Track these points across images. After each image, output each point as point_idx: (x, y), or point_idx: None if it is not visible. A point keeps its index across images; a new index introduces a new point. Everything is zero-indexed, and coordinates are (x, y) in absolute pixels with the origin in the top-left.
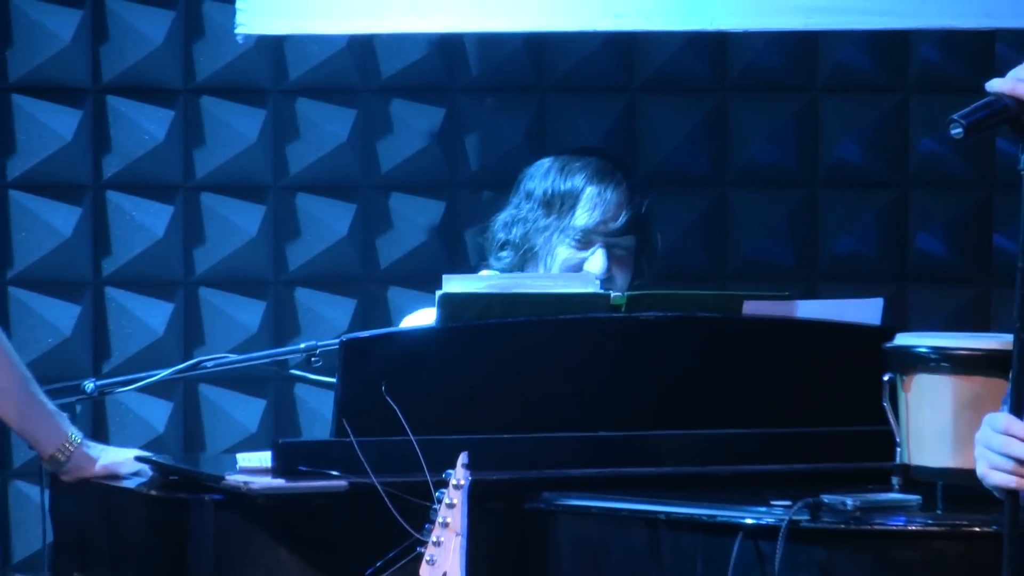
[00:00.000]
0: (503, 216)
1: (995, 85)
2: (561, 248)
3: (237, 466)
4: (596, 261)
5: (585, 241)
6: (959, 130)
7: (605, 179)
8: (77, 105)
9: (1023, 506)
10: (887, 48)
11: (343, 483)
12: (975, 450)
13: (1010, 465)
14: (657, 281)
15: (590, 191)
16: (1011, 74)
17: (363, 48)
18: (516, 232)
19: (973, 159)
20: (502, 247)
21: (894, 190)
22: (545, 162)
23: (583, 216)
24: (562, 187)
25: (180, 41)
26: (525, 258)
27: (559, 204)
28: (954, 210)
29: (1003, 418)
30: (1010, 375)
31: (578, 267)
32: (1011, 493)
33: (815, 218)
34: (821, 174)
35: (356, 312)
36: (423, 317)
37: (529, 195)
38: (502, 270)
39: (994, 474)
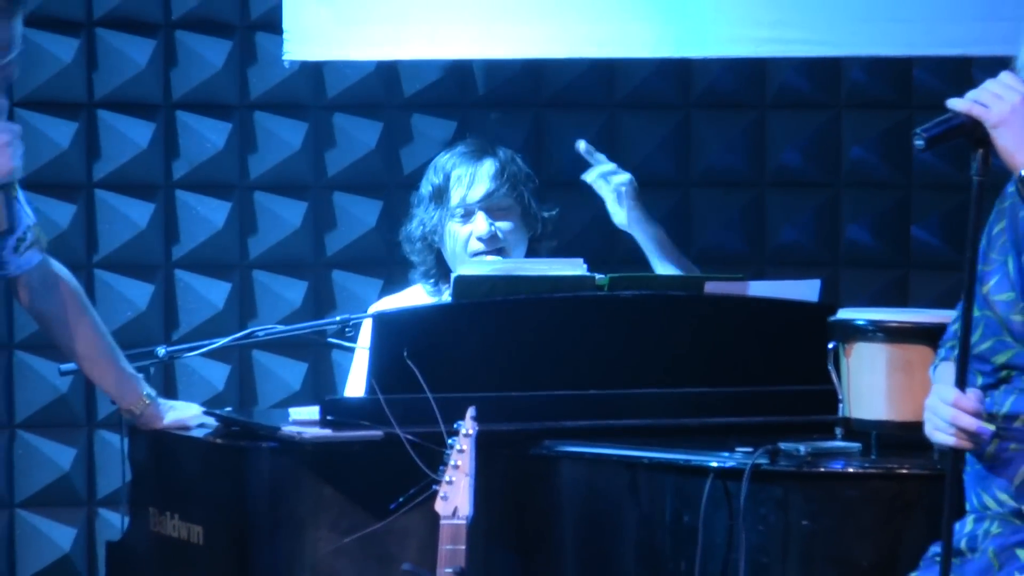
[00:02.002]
0: (405, 232)
1: (954, 104)
2: (451, 226)
3: (289, 418)
4: (480, 224)
5: (467, 213)
6: (921, 142)
7: (467, 159)
8: (151, 119)
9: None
10: (822, 72)
11: (378, 433)
12: (925, 412)
13: (953, 430)
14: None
15: (457, 173)
16: (968, 95)
17: (388, 71)
18: (418, 236)
19: (894, 164)
20: (416, 255)
21: (828, 190)
22: (427, 168)
23: (457, 194)
24: (437, 180)
25: (236, 65)
26: (433, 251)
27: (439, 194)
28: (878, 206)
29: (951, 392)
30: (941, 354)
31: (468, 237)
32: (953, 448)
33: (763, 213)
34: (768, 176)
35: (383, 291)
36: (387, 303)
37: (420, 200)
38: (424, 275)
39: (939, 435)
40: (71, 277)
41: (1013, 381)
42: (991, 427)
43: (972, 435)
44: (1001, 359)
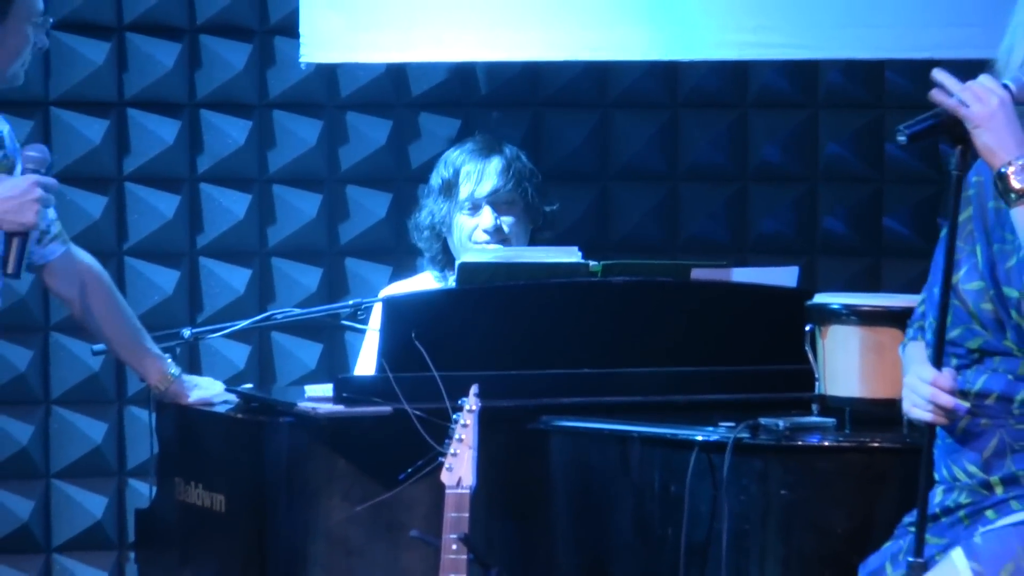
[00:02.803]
0: (414, 222)
1: (936, 97)
2: (459, 218)
3: (305, 395)
4: (486, 218)
5: (474, 206)
6: (904, 138)
7: (476, 155)
8: (177, 117)
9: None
10: (801, 74)
11: (388, 409)
12: (904, 390)
13: (931, 407)
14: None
15: (466, 168)
16: (953, 89)
17: (397, 73)
18: (427, 225)
19: (867, 160)
20: (423, 243)
21: (806, 183)
22: (438, 162)
23: (466, 188)
24: (447, 174)
25: (256, 67)
26: (440, 239)
27: (449, 187)
28: (852, 199)
29: (929, 372)
30: (909, 335)
31: (474, 229)
32: (928, 424)
33: (745, 205)
34: (750, 171)
35: (392, 277)
36: (397, 288)
37: (430, 192)
38: (431, 261)
39: (917, 411)
40: (97, 264)
41: (985, 362)
42: (966, 404)
43: (948, 412)
44: (973, 344)
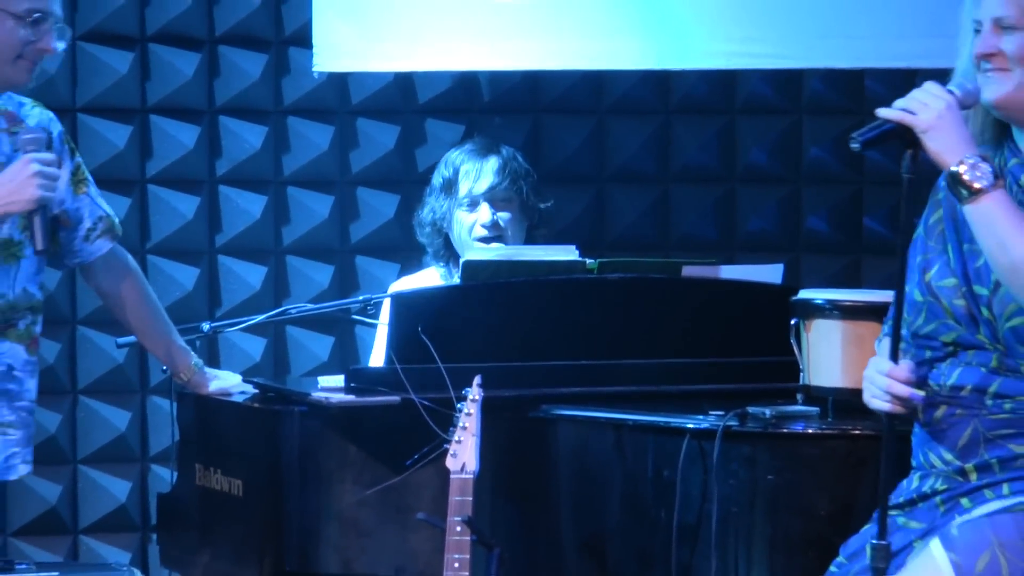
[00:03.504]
0: (417, 218)
1: (883, 112)
2: (458, 214)
3: (318, 386)
4: (483, 213)
5: (472, 203)
6: (857, 145)
7: (474, 155)
8: (196, 123)
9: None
10: (786, 82)
11: (396, 398)
12: (864, 382)
13: (888, 397)
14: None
15: (465, 167)
16: (897, 103)
17: (405, 81)
18: (429, 222)
19: (848, 163)
20: (426, 239)
21: (790, 185)
22: (439, 162)
23: (464, 185)
24: (447, 173)
25: (272, 76)
26: (441, 235)
27: (449, 186)
28: (834, 200)
29: (885, 364)
30: (885, 330)
31: (473, 224)
32: (888, 413)
33: (733, 205)
34: (737, 173)
35: (400, 274)
36: (404, 283)
37: (432, 190)
38: (434, 256)
39: (875, 401)
40: (134, 263)
41: (959, 356)
42: (921, 393)
43: (905, 401)
44: (948, 338)
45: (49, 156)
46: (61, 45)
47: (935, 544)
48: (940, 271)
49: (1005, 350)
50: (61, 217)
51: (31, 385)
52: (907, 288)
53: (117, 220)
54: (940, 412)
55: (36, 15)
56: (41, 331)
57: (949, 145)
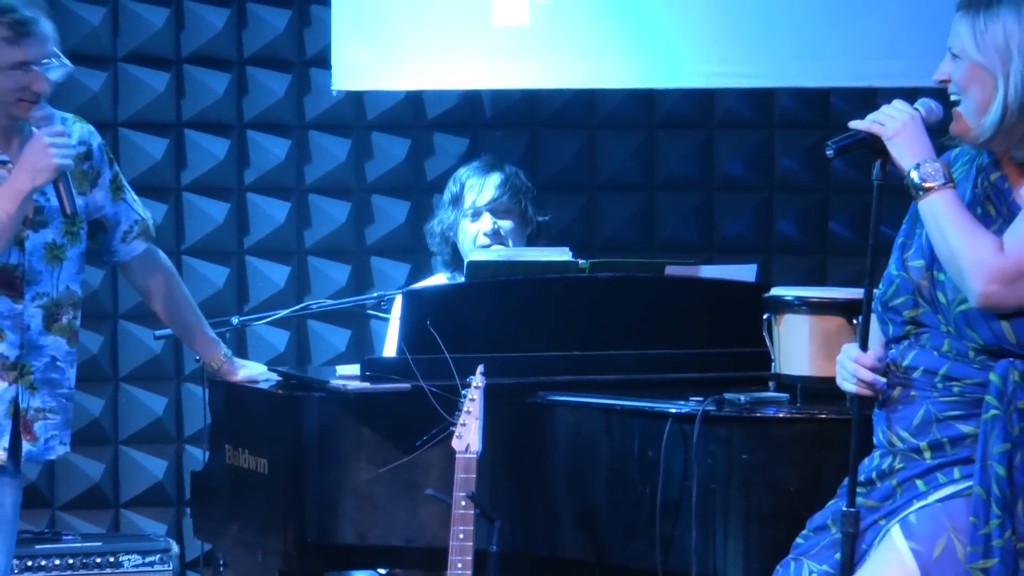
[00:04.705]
0: (427, 228)
1: (855, 124)
2: (463, 224)
3: (336, 374)
4: (485, 222)
5: (476, 213)
6: (831, 151)
7: (479, 171)
8: (226, 136)
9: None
10: (759, 99)
11: (407, 386)
12: (836, 366)
13: (855, 380)
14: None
15: (471, 181)
16: (868, 117)
17: (415, 99)
18: (438, 231)
19: (816, 172)
20: (436, 247)
21: (763, 193)
22: (450, 179)
23: (470, 197)
24: (455, 188)
25: (295, 94)
26: (449, 244)
27: (456, 199)
28: (803, 206)
29: (854, 350)
30: (857, 320)
31: (476, 233)
32: (856, 395)
33: (712, 211)
34: (716, 182)
35: (411, 273)
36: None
37: (442, 203)
38: (443, 264)
39: (845, 384)
40: (169, 262)
41: (913, 337)
42: (884, 380)
43: (869, 384)
44: (910, 314)
45: (58, 127)
46: (56, 75)
47: (896, 532)
48: (914, 252)
49: (955, 333)
50: (101, 220)
51: (71, 374)
52: (891, 269)
53: (152, 223)
54: (897, 392)
55: (24, 65)
56: (82, 324)
57: (910, 151)
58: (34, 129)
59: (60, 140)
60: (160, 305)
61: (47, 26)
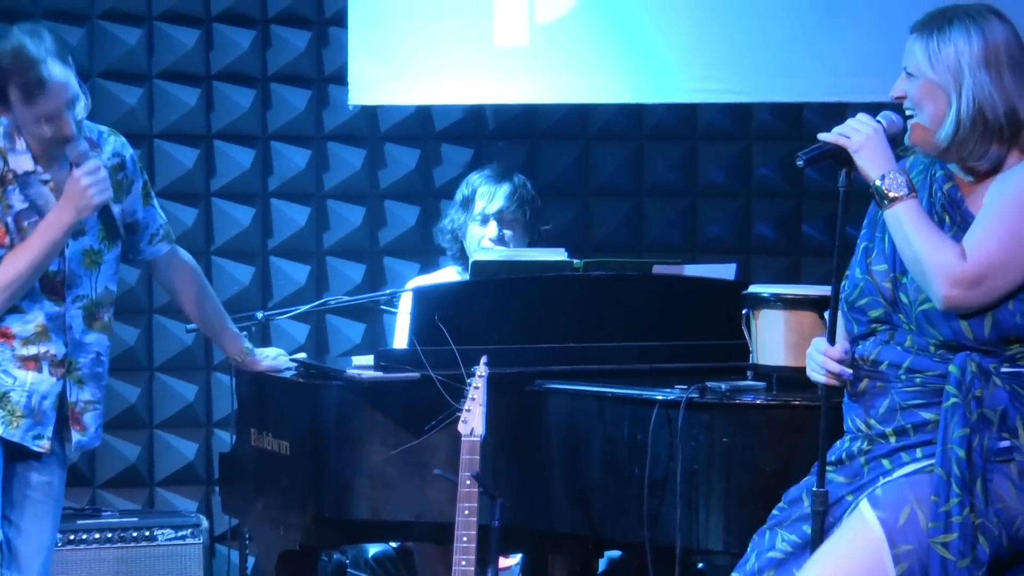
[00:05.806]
0: (439, 226)
1: (823, 136)
2: (471, 227)
3: (352, 364)
4: (491, 229)
5: (484, 219)
6: (801, 162)
7: (491, 180)
8: (252, 147)
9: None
10: (738, 112)
11: (416, 375)
12: (806, 359)
13: (824, 372)
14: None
15: (482, 189)
16: (835, 130)
17: (424, 112)
18: (449, 230)
19: (790, 180)
20: (446, 243)
21: (743, 199)
22: (463, 181)
23: (479, 204)
24: (467, 191)
25: (315, 108)
26: (458, 242)
27: (467, 202)
28: (779, 210)
29: (823, 343)
30: (828, 315)
31: (482, 237)
32: (825, 386)
33: (695, 215)
34: (699, 189)
35: (420, 272)
36: (418, 281)
37: (454, 203)
38: (452, 258)
39: (814, 375)
40: (193, 261)
41: (878, 334)
42: (850, 371)
43: (836, 376)
44: (874, 314)
45: (94, 163)
46: (81, 114)
47: (864, 505)
48: (877, 256)
49: (917, 330)
50: (133, 224)
51: (107, 367)
52: (851, 267)
53: (170, 228)
54: (864, 384)
55: (50, 115)
56: (119, 319)
57: (874, 162)
58: (73, 168)
59: (97, 177)
60: (185, 302)
61: (57, 71)
